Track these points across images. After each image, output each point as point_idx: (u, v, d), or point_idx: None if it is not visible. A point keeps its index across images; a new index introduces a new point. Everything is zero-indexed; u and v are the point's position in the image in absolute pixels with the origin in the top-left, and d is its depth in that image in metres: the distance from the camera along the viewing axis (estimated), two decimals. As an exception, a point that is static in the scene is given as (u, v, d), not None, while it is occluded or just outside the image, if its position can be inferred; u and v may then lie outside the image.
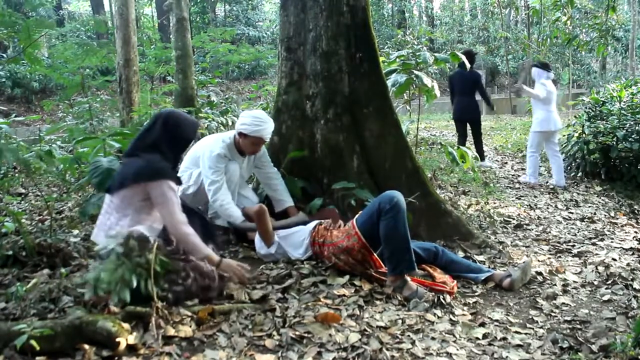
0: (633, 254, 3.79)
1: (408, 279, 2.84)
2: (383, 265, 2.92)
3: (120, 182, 2.58)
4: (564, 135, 7.33)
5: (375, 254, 2.94)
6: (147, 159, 2.59)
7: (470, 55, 7.15)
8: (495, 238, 4.02)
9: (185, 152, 3.56)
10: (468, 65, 6.29)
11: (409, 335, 2.34)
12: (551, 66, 6.84)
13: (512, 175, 6.90)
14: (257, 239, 3.24)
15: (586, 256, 3.71)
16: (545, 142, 6.46)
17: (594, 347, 2.35)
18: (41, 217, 4.01)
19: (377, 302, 2.69)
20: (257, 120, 3.41)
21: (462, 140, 7.59)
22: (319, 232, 3.11)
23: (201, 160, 3.45)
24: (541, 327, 2.59)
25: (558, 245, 3.98)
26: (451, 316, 2.62)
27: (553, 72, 6.61)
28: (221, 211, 3.35)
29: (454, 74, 7.70)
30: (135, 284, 2.15)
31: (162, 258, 2.35)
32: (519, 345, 2.38)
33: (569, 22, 11.50)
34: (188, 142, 2.84)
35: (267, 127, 3.43)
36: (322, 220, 3.27)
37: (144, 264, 2.24)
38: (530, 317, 2.72)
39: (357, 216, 3.02)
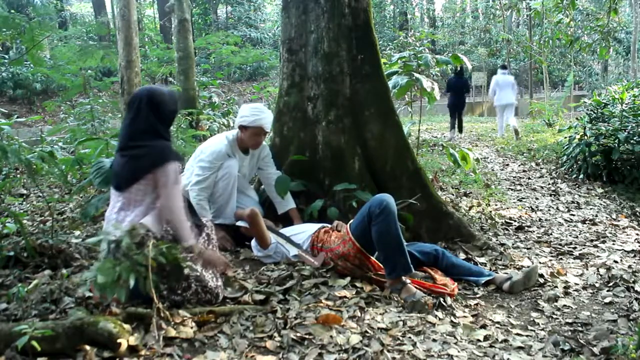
0: (635, 256, 3.78)
1: (407, 281, 2.83)
2: (382, 268, 2.91)
3: (131, 175, 2.43)
4: (565, 137, 7.32)
5: (372, 257, 2.93)
6: (151, 146, 2.46)
7: (461, 73, 11.32)
8: (497, 240, 4.01)
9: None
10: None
11: (410, 337, 2.34)
12: (507, 65, 13.40)
13: (514, 177, 6.89)
14: (254, 241, 3.23)
15: (588, 258, 3.71)
16: (504, 111, 10.74)
17: (596, 350, 2.34)
18: (43, 218, 4.01)
19: (378, 304, 2.69)
20: (255, 110, 3.47)
21: (453, 122, 11.17)
22: (319, 237, 3.11)
23: (200, 153, 3.48)
24: (542, 330, 2.58)
25: (559, 247, 3.97)
26: (452, 318, 2.62)
27: (508, 70, 11.94)
28: (193, 204, 3.35)
29: (450, 79, 11.80)
30: (133, 282, 2.09)
31: (173, 250, 2.28)
32: (520, 348, 2.37)
33: (571, 24, 11.50)
34: (175, 114, 2.69)
35: (265, 116, 3.45)
36: (325, 225, 3.27)
37: (143, 261, 2.15)
38: (531, 319, 2.71)
39: (351, 221, 3.02)
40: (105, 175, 3.09)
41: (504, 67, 11.42)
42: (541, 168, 7.43)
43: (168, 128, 2.60)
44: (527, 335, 2.51)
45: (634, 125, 6.47)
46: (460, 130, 11.22)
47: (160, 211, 2.45)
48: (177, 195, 2.44)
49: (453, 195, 5.35)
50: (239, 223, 3.40)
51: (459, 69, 11.20)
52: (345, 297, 2.67)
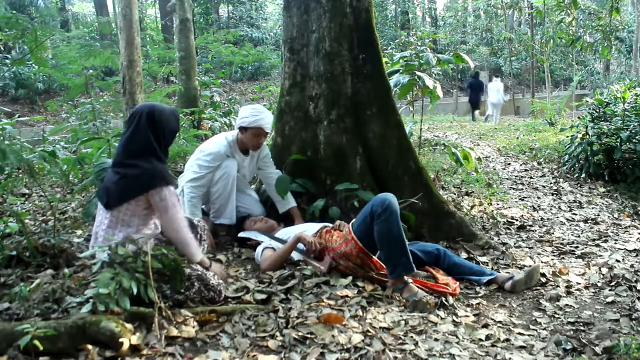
0: (637, 255, 3.77)
1: (410, 281, 2.83)
2: (384, 267, 2.91)
3: (121, 195, 2.44)
4: (567, 137, 7.31)
5: (374, 257, 2.93)
6: (145, 167, 2.45)
7: (477, 75, 16.38)
8: (499, 239, 4.01)
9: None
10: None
11: (412, 337, 2.34)
12: (498, 75, 18.95)
13: (516, 176, 6.88)
14: (259, 248, 3.21)
15: (590, 258, 3.70)
16: (493, 107, 15.14)
17: (598, 350, 2.34)
18: (45, 217, 4.02)
19: (380, 304, 2.69)
20: (255, 111, 3.48)
21: (473, 114, 16.08)
22: (322, 237, 3.11)
23: (199, 153, 3.48)
24: (545, 329, 2.58)
25: (562, 247, 3.97)
26: (454, 318, 2.62)
27: (500, 79, 16.78)
28: (186, 202, 3.36)
29: (471, 82, 16.78)
30: (135, 290, 2.13)
31: (177, 257, 2.33)
32: (522, 347, 2.37)
33: (573, 23, 11.48)
34: (176, 134, 2.69)
35: (265, 117, 3.47)
36: (327, 225, 3.27)
37: (140, 268, 2.20)
38: (533, 318, 2.71)
39: (353, 221, 3.02)
40: None
41: (496, 76, 17.55)
42: (543, 167, 7.41)
43: (166, 149, 2.60)
44: (529, 335, 2.51)
45: (636, 124, 6.45)
46: (475, 119, 15.77)
47: (166, 234, 2.52)
48: (179, 217, 2.49)
49: (455, 194, 5.34)
50: (243, 234, 3.39)
51: (475, 72, 16.48)
52: (347, 296, 2.67)
